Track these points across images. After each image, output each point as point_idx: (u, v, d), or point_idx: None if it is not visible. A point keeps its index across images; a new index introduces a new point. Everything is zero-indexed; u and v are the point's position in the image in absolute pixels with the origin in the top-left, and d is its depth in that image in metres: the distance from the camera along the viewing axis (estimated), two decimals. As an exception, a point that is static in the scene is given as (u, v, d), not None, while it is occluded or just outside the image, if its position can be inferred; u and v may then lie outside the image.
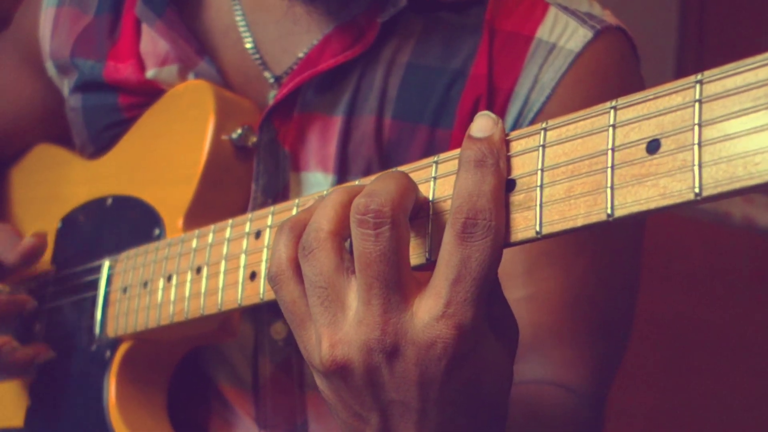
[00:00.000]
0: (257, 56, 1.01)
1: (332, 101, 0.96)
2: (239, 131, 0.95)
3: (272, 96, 1.00)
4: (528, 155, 0.60)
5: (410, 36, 0.96)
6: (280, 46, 1.01)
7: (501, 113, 0.92)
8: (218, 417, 1.01)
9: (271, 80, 1.01)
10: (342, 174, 0.95)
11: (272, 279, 0.63)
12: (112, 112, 1.07)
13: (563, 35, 0.93)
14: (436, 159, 0.64)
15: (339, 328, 0.59)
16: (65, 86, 1.14)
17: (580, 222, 0.56)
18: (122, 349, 0.96)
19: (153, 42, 1.05)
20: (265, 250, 0.79)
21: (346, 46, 0.95)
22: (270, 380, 0.99)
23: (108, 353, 0.97)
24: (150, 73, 1.04)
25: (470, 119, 0.92)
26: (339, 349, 0.59)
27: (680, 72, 2.78)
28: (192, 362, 1.03)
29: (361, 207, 0.58)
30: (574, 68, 0.92)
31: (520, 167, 0.60)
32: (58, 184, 1.18)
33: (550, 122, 0.59)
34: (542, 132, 0.59)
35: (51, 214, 1.15)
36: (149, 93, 1.04)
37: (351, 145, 0.95)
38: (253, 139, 0.96)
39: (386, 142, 0.95)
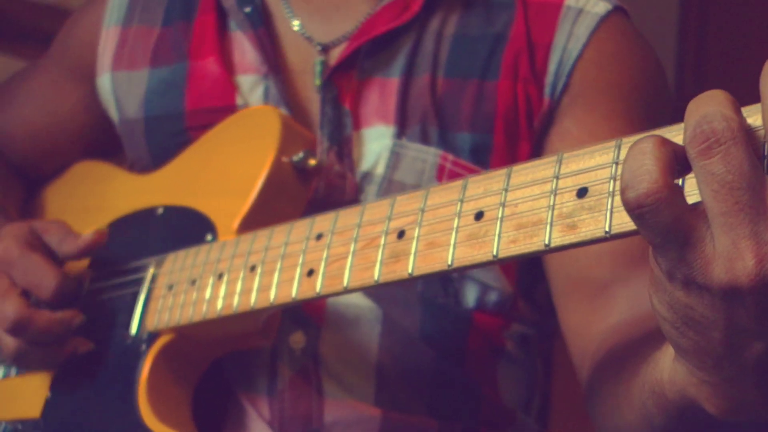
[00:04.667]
0: (303, 31, 1.14)
1: (388, 65, 1.10)
2: (300, 154, 1.01)
3: (319, 62, 1.11)
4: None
5: (453, 11, 1.12)
6: (326, 24, 1.14)
7: (543, 63, 1.08)
8: (233, 421, 1.04)
9: (318, 48, 1.13)
10: (402, 125, 1.07)
11: (643, 199, 0.55)
12: (175, 122, 1.14)
13: (588, 4, 1.10)
14: None
15: (764, 240, 0.54)
16: (122, 98, 1.20)
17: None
18: (160, 342, 0.99)
19: (238, 51, 1.14)
20: (326, 249, 0.84)
21: (395, 16, 1.10)
22: (288, 386, 1.03)
23: (144, 346, 1.00)
24: (232, 77, 1.12)
25: (513, 70, 1.07)
26: None
27: (680, 71, 2.79)
28: (209, 369, 1.06)
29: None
30: (603, 26, 1.08)
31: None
32: (102, 197, 1.22)
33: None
34: (616, 149, 0.66)
35: (93, 224, 1.18)
36: (222, 98, 1.11)
37: (409, 100, 1.08)
38: (313, 162, 1.02)
39: (440, 96, 1.08)
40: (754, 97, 0.59)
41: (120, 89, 1.21)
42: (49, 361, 1.06)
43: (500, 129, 1.06)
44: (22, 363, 1.06)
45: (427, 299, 1.06)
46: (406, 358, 1.06)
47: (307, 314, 1.04)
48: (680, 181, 0.59)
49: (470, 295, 1.07)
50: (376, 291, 1.05)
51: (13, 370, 1.18)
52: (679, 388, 0.66)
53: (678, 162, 0.57)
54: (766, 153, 0.55)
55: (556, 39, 1.08)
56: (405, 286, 1.06)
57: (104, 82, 1.23)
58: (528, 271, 1.11)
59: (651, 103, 1.09)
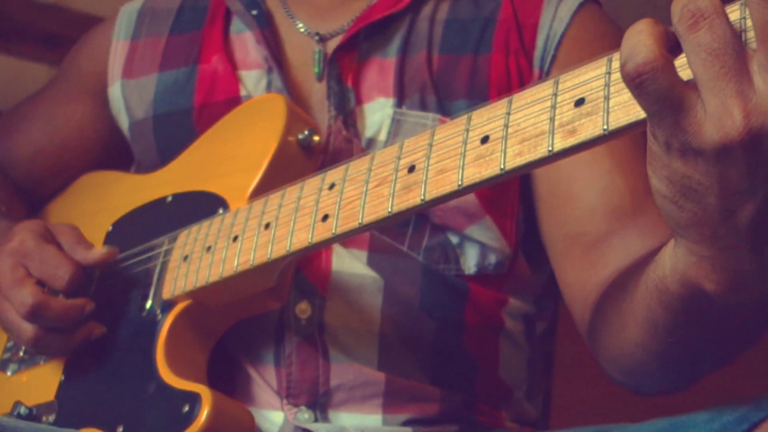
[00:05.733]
0: (302, 27, 1.24)
1: (385, 47, 1.20)
2: (305, 132, 1.08)
3: (318, 50, 1.20)
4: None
5: (443, 1, 1.23)
6: (325, 22, 1.24)
7: (531, 40, 1.18)
8: (241, 391, 1.09)
9: (316, 38, 1.23)
10: (400, 96, 1.16)
11: (641, 68, 0.62)
12: (184, 117, 1.21)
13: None
14: None
15: (749, 97, 0.60)
16: (132, 103, 1.27)
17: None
18: (176, 310, 1.04)
19: (240, 50, 1.23)
20: (339, 195, 0.90)
21: (390, 6, 1.21)
22: (296, 351, 1.08)
23: (159, 315, 1.05)
24: (238, 72, 1.20)
25: (504, 45, 1.18)
26: (754, 118, 0.60)
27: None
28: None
29: None
30: (582, 10, 1.19)
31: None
32: (109, 198, 1.27)
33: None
34: (608, 62, 0.74)
35: (99, 224, 1.23)
36: (227, 90, 1.19)
37: (406, 75, 1.18)
38: (317, 138, 1.09)
39: (436, 71, 1.18)
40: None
41: (130, 95, 1.28)
42: (64, 346, 1.10)
43: (494, 96, 1.15)
44: (39, 349, 1.10)
45: (427, 269, 1.12)
46: (408, 327, 1.11)
47: (312, 284, 1.09)
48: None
49: (471, 259, 1.13)
50: (380, 259, 1.10)
51: (24, 366, 1.21)
52: (681, 273, 0.72)
53: (669, 42, 0.64)
54: (743, 27, 0.63)
55: (542, 19, 1.19)
56: (408, 256, 1.11)
57: (115, 90, 1.30)
58: (528, 228, 1.17)
59: None
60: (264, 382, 1.08)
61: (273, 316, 1.09)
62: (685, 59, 0.64)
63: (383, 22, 1.20)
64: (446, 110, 1.15)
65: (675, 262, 0.73)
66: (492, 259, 1.14)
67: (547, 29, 1.18)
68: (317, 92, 1.19)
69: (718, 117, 0.61)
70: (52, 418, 1.10)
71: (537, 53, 1.18)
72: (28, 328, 1.07)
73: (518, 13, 1.20)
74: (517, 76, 1.17)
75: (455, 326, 1.13)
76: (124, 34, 1.33)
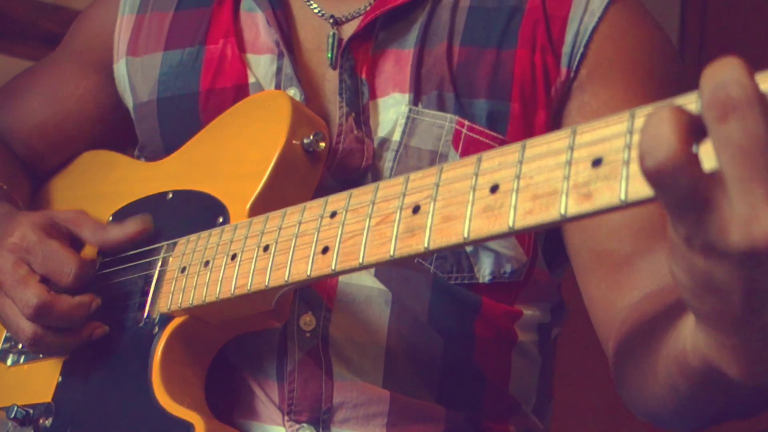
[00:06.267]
0: (317, 8, 1.16)
1: (403, 37, 1.11)
2: (311, 137, 1.02)
3: (332, 34, 1.13)
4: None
5: None
6: (340, 3, 1.15)
7: (560, 34, 1.10)
8: (243, 404, 1.05)
9: (331, 21, 1.15)
10: (417, 92, 1.09)
11: (662, 166, 0.56)
12: (189, 102, 1.15)
13: None
14: None
15: None
16: (137, 83, 1.21)
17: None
18: (172, 324, 1.00)
19: (250, 31, 1.15)
20: (340, 227, 0.85)
21: None
22: (298, 367, 1.04)
23: (156, 329, 1.01)
24: (246, 56, 1.13)
25: (531, 39, 1.09)
26: None
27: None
28: (219, 352, 1.07)
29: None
30: (616, 2, 1.10)
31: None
32: (110, 183, 1.23)
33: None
34: (630, 119, 0.67)
35: (100, 210, 1.19)
36: (234, 76, 1.13)
37: (424, 68, 1.10)
38: (323, 144, 1.03)
39: (456, 65, 1.10)
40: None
41: (135, 74, 1.22)
42: (64, 347, 1.07)
43: (517, 96, 1.08)
44: (38, 348, 1.07)
45: (438, 282, 1.07)
46: (416, 343, 1.07)
47: (318, 296, 1.05)
48: (696, 148, 0.61)
49: (485, 267, 1.08)
50: (388, 271, 1.06)
51: (23, 358, 1.19)
52: (701, 354, 0.68)
53: (694, 129, 0.58)
54: None
55: (573, 12, 1.10)
56: (418, 267, 1.07)
57: (120, 68, 1.24)
58: (550, 232, 1.12)
59: (664, 76, 1.11)
60: (266, 396, 1.05)
61: (276, 327, 1.04)
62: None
63: (402, 9, 1.12)
64: (465, 110, 1.08)
65: (695, 341, 0.68)
66: (507, 267, 1.09)
67: (577, 23, 1.09)
68: (330, 80, 1.12)
69: (745, 221, 0.55)
70: (49, 422, 1.08)
71: (565, 49, 1.09)
72: (27, 327, 1.04)
73: (547, 3, 1.11)
74: (542, 75, 1.09)
75: (465, 341, 1.08)
76: (129, 8, 1.25)
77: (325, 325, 1.05)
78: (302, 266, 0.87)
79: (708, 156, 0.60)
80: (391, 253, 0.80)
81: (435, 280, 1.07)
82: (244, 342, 1.05)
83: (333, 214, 0.87)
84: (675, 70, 1.13)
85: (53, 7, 1.92)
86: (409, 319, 1.06)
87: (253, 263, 0.92)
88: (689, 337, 0.70)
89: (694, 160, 0.57)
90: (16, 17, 1.96)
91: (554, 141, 0.72)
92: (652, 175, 0.57)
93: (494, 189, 0.74)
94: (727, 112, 0.55)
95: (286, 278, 0.88)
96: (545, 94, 1.08)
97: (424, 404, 1.06)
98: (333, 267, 0.84)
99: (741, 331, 0.62)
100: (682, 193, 0.57)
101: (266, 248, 0.92)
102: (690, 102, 0.64)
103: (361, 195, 0.85)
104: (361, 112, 1.09)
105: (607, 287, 1.02)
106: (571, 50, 1.09)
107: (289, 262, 0.88)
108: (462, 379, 1.09)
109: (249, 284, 0.91)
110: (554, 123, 1.09)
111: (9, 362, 1.20)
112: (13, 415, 1.09)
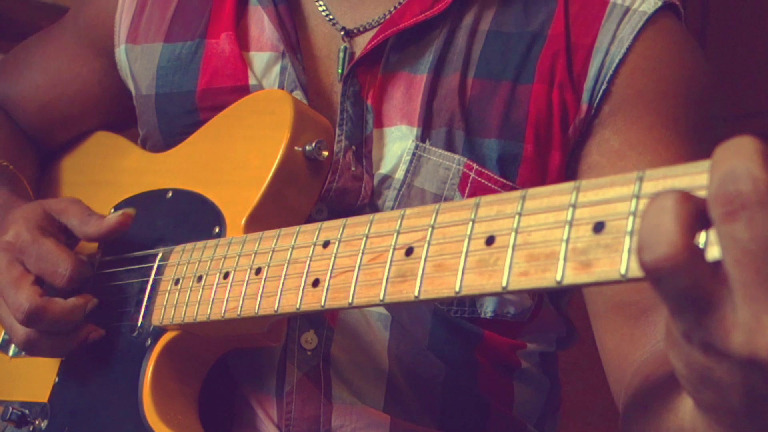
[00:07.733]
0: (328, 14, 1.08)
1: (417, 61, 1.03)
2: (313, 144, 0.97)
3: (342, 48, 1.05)
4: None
5: (490, 6, 1.04)
6: (353, 9, 1.08)
7: (583, 66, 1.00)
8: (241, 421, 1.02)
9: (342, 33, 1.06)
10: (426, 127, 1.00)
11: (660, 263, 0.50)
12: (186, 101, 1.09)
13: (635, 1, 1.02)
14: None
15: None
16: (137, 72, 1.16)
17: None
18: (164, 338, 0.96)
19: (256, 26, 1.09)
20: (332, 259, 0.80)
21: (427, 6, 1.02)
22: (296, 388, 0.99)
23: (149, 341, 0.97)
24: (246, 54, 1.07)
25: (549, 74, 1.00)
26: None
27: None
28: (218, 365, 1.03)
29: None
30: (649, 26, 1.00)
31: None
32: (115, 171, 1.20)
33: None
34: (638, 182, 0.61)
35: (103, 200, 1.16)
36: (234, 77, 1.06)
37: (436, 100, 1.00)
38: (325, 153, 0.98)
39: (469, 99, 1.01)
40: (753, 98, 0.54)
41: (134, 62, 1.17)
42: (59, 349, 1.03)
43: (531, 137, 0.99)
44: (33, 351, 1.03)
45: (438, 312, 1.01)
46: (416, 368, 1.02)
47: (320, 314, 1.00)
48: (702, 237, 0.54)
49: (488, 306, 1.02)
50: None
51: (24, 349, 1.16)
52: None
53: (701, 218, 0.52)
54: None
55: (599, 40, 1.00)
56: None
57: (121, 53, 1.19)
58: None
59: (698, 112, 1.01)
60: (264, 413, 1.00)
61: (274, 346, 1.00)
62: None
63: (416, 30, 1.02)
64: (474, 150, 0.99)
65: (695, 425, 0.63)
66: (511, 309, 1.02)
67: (602, 54, 0.99)
68: (338, 93, 1.04)
69: (748, 329, 0.50)
70: (44, 424, 1.06)
71: (587, 84, 0.99)
72: (20, 331, 1.00)
73: (572, 29, 1.01)
74: (559, 114, 0.99)
75: (467, 367, 1.03)
76: None
77: (327, 345, 1.00)
78: (292, 298, 0.82)
79: (715, 242, 0.54)
80: (381, 297, 0.75)
81: (435, 309, 1.01)
82: (245, 358, 1.01)
83: (326, 244, 0.82)
84: (711, 103, 1.03)
85: (53, 7, 1.90)
86: (409, 343, 1.01)
87: (245, 287, 0.88)
88: (688, 417, 0.66)
89: (698, 255, 0.51)
90: (15, 17, 1.94)
91: (556, 195, 0.66)
92: (649, 272, 0.52)
93: (490, 241, 0.68)
94: (735, 210, 0.49)
95: (276, 308, 0.83)
96: (561, 134, 1.00)
97: (426, 430, 1.02)
98: (322, 303, 0.79)
99: (741, 427, 0.58)
100: (681, 292, 0.52)
101: (258, 271, 0.87)
102: (701, 171, 0.57)
103: (354, 226, 0.80)
104: (363, 143, 1.01)
105: (621, 339, 0.95)
106: (594, 85, 0.99)
107: (279, 291, 0.84)
108: (465, 404, 1.04)
109: (239, 309, 0.87)
110: (571, 164, 1.01)
111: (11, 353, 1.18)
112: (9, 417, 1.07)
